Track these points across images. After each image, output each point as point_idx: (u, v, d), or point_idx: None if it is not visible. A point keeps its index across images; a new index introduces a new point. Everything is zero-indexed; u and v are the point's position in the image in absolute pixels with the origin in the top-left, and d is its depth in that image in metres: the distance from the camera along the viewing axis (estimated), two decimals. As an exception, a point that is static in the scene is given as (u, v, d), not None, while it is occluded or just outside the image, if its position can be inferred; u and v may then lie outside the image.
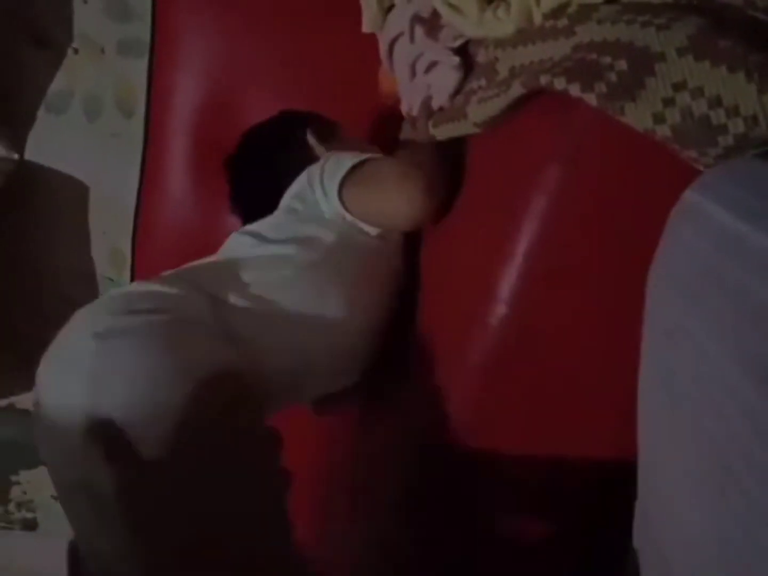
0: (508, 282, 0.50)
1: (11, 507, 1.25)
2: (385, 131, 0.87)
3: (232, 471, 0.52)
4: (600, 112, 0.43)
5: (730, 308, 0.29)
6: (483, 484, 0.58)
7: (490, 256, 0.52)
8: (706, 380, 0.31)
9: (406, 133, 0.76)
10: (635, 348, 0.41)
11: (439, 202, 0.64)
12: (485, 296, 0.51)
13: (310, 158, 0.81)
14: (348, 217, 0.72)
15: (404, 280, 0.77)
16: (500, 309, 0.51)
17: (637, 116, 0.41)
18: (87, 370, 0.50)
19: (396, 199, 0.66)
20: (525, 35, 0.54)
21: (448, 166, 0.66)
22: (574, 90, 0.43)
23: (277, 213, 0.78)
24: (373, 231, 0.74)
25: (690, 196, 0.36)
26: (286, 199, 0.79)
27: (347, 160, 0.73)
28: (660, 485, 0.37)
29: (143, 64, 1.01)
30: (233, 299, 0.62)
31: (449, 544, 0.61)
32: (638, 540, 0.40)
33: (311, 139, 0.83)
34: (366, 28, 0.81)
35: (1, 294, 1.05)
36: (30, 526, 1.26)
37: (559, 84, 0.44)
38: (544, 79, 0.45)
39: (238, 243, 0.74)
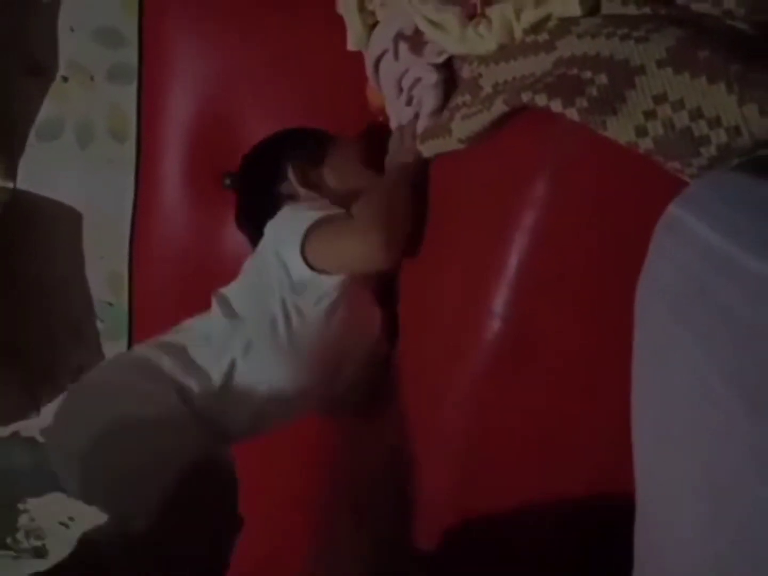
0: (501, 296, 0.50)
1: (19, 536, 1.25)
2: (380, 145, 0.87)
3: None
4: (583, 125, 0.43)
5: (720, 327, 0.29)
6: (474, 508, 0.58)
7: (480, 272, 0.52)
8: (696, 397, 0.31)
9: (392, 151, 0.76)
10: (629, 356, 0.41)
11: (399, 251, 0.66)
12: (478, 311, 0.51)
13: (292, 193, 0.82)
14: (308, 274, 0.71)
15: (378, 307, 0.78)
16: (494, 323, 0.51)
17: (619, 130, 0.41)
18: (79, 470, 0.66)
19: (357, 254, 0.68)
20: (507, 51, 0.54)
21: (412, 206, 0.67)
22: (556, 106, 0.44)
23: (247, 274, 0.79)
24: (336, 278, 0.72)
25: (674, 210, 0.36)
26: (257, 259, 0.78)
27: (303, 221, 0.72)
28: (656, 498, 0.37)
29: (133, 89, 1.02)
30: (199, 387, 0.69)
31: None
32: (639, 557, 0.40)
33: (293, 177, 0.82)
34: (351, 46, 0.81)
35: (4, 323, 1.05)
36: (40, 554, 1.26)
37: (541, 100, 0.44)
38: (525, 96, 0.45)
39: (214, 315, 0.76)
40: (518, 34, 0.55)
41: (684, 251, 0.34)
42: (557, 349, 0.51)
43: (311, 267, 0.70)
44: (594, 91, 0.42)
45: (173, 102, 1.00)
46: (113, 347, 1.15)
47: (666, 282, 0.35)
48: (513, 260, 0.50)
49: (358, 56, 0.82)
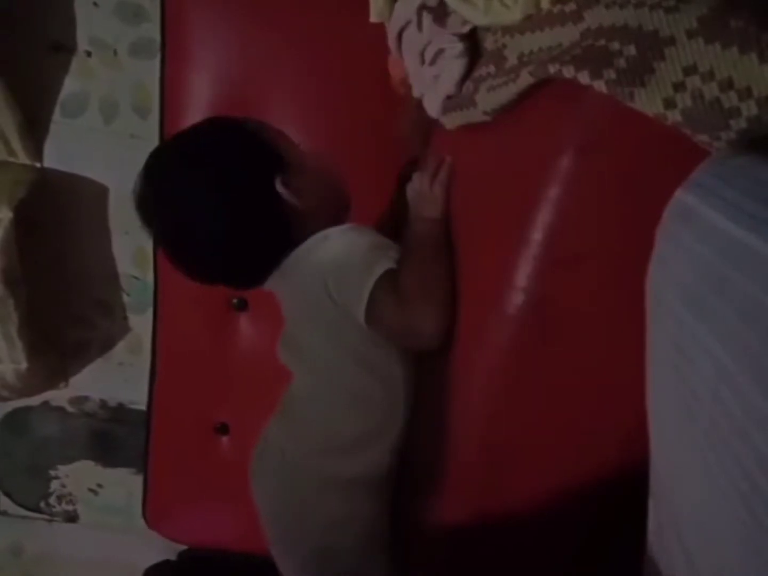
0: (524, 270, 0.50)
1: (52, 500, 1.29)
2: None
3: None
4: (611, 98, 0.43)
5: (742, 322, 0.28)
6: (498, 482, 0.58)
7: (505, 247, 0.52)
8: (727, 400, 0.30)
9: (416, 194, 0.69)
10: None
11: (449, 325, 0.62)
12: (502, 286, 0.52)
13: (285, 213, 0.68)
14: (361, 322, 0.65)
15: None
16: (518, 298, 0.51)
17: (647, 101, 0.41)
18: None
19: (413, 336, 0.63)
20: (532, 21, 0.53)
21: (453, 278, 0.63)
22: (584, 78, 0.43)
23: (296, 315, 0.73)
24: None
25: (684, 197, 0.35)
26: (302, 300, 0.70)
27: (372, 271, 0.63)
28: (683, 494, 0.36)
29: (156, 64, 1.02)
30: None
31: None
32: (658, 545, 0.40)
33: (282, 189, 0.68)
34: (373, 17, 0.80)
35: (34, 298, 1.07)
36: (71, 518, 1.31)
37: (568, 72, 0.44)
38: (552, 68, 0.45)
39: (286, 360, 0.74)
40: (545, 4, 0.54)
41: (700, 242, 0.33)
42: (581, 326, 0.51)
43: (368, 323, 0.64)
44: (622, 63, 0.42)
45: (195, 78, 1.00)
46: (139, 320, 1.17)
47: (682, 276, 0.34)
48: (537, 235, 0.50)
49: (379, 31, 0.81)
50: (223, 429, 1.10)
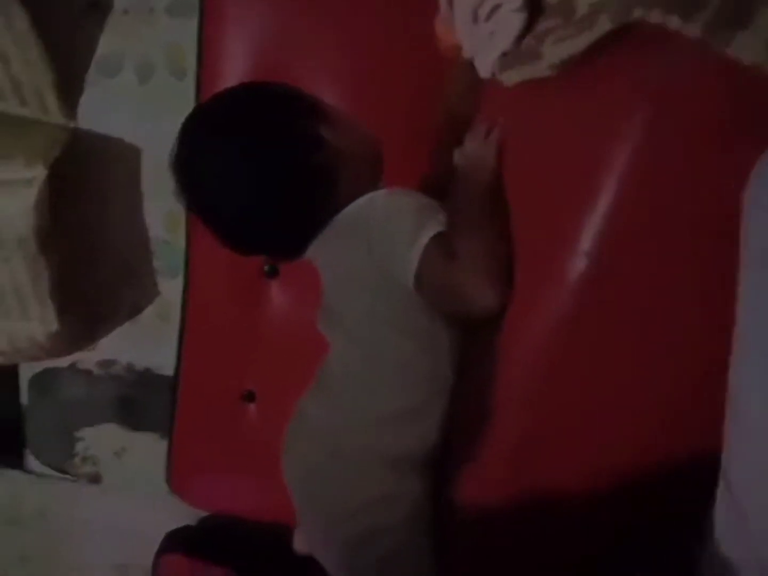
0: (589, 235, 0.48)
1: (77, 461, 1.30)
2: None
3: None
4: (696, 48, 0.40)
5: None
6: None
7: (567, 211, 0.50)
8: None
9: (469, 157, 0.67)
10: (720, 311, 0.38)
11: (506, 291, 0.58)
12: (564, 251, 0.49)
13: (325, 177, 0.66)
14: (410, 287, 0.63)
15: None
16: (581, 263, 0.48)
17: (746, 47, 0.38)
18: None
19: (469, 308, 0.60)
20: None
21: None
22: (673, 22, 0.40)
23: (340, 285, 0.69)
24: None
25: None
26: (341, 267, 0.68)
27: (421, 233, 0.61)
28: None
29: (194, 25, 1.00)
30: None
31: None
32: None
33: (328, 133, 0.66)
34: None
35: (64, 260, 1.07)
36: (95, 479, 1.32)
37: (655, 16, 0.41)
38: (637, 12, 0.42)
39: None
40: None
41: None
42: (644, 296, 0.49)
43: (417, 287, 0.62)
44: (717, 4, 0.39)
45: (233, 44, 0.98)
46: (169, 285, 1.16)
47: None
48: (604, 200, 0.48)
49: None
50: (250, 396, 1.09)
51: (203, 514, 1.20)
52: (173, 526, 1.17)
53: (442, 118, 0.82)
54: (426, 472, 0.67)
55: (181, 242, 1.09)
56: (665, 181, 0.45)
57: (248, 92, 0.72)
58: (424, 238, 0.60)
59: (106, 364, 1.22)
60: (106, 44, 1.08)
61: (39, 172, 0.96)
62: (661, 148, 0.44)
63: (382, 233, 0.64)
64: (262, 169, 0.65)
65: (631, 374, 0.51)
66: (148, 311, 1.18)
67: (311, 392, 0.73)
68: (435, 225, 0.62)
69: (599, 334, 0.51)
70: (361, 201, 0.68)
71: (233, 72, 0.99)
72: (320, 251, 0.70)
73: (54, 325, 1.06)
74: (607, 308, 0.49)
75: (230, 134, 0.67)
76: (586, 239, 0.48)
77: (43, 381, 1.23)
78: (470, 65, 0.72)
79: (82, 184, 1.11)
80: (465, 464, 0.66)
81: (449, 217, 0.64)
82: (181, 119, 0.73)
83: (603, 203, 0.47)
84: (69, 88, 1.08)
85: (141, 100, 1.09)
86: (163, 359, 1.17)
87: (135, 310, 1.19)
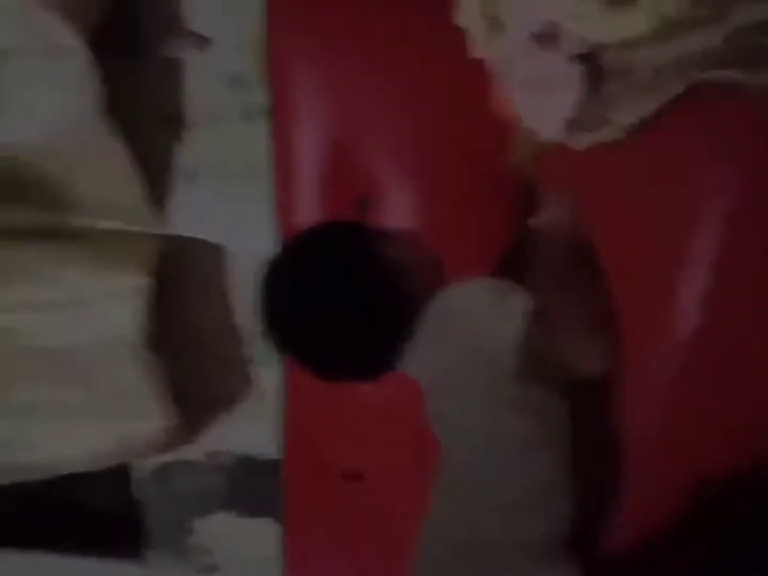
0: (697, 293, 0.47)
1: (190, 553, 1.32)
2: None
3: None
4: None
5: None
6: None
7: (669, 273, 0.49)
8: None
9: (552, 221, 0.68)
10: None
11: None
12: (673, 311, 0.49)
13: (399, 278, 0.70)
14: None
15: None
16: (690, 324, 0.48)
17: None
18: None
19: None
20: (664, 31, 0.52)
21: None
22: (741, 77, 0.41)
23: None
24: None
25: None
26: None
27: (507, 318, 0.60)
28: None
29: (264, 127, 1.06)
30: None
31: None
32: None
33: (391, 250, 0.72)
34: (476, 53, 0.81)
35: (167, 361, 1.13)
36: (210, 571, 1.33)
37: (724, 74, 0.42)
38: (705, 73, 0.43)
39: None
40: (672, 11, 0.52)
41: None
42: (758, 358, 0.48)
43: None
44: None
45: (304, 137, 1.01)
46: (265, 373, 1.20)
47: None
48: (707, 255, 0.47)
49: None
50: (356, 477, 1.08)
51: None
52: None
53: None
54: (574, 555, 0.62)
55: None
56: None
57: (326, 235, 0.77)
58: (514, 324, 0.59)
59: (211, 455, 1.26)
60: (182, 156, 1.16)
61: (143, 281, 1.04)
62: (752, 204, 0.44)
63: (474, 333, 0.63)
64: (348, 303, 0.69)
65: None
66: (244, 399, 1.22)
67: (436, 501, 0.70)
68: (518, 304, 0.61)
69: (709, 398, 0.50)
70: (441, 302, 0.68)
71: (306, 167, 1.02)
72: (408, 362, 0.70)
73: (173, 420, 1.11)
74: (718, 372, 0.48)
75: (316, 284, 0.71)
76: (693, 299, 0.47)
77: (161, 475, 1.28)
78: (531, 132, 0.75)
79: (178, 293, 1.19)
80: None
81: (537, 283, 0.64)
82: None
83: (705, 260, 0.46)
84: (156, 198, 1.16)
85: (221, 204, 1.16)
86: (262, 442, 1.19)
87: (231, 401, 1.23)
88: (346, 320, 0.70)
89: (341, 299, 0.70)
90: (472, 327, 0.63)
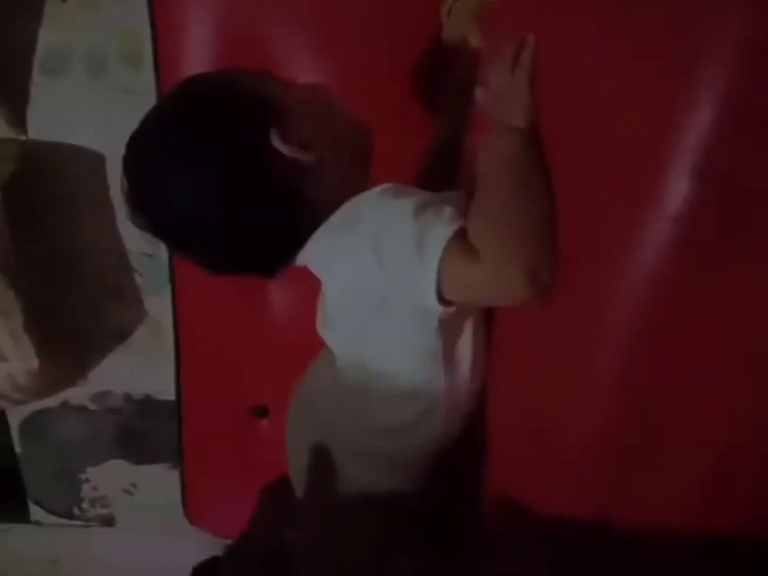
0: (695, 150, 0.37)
1: (85, 505, 1.21)
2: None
3: None
4: None
5: None
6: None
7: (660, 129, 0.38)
8: None
9: (494, 98, 0.54)
10: None
11: (551, 274, 0.48)
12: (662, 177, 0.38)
13: (294, 178, 0.57)
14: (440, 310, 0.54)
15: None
16: (689, 185, 0.37)
17: None
18: None
19: (498, 296, 0.52)
20: None
21: (552, 200, 0.48)
22: None
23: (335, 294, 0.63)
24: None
25: None
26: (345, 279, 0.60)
27: (439, 231, 0.51)
28: None
29: (143, 7, 0.88)
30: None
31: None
32: None
33: (280, 144, 0.56)
34: None
35: (35, 288, 0.96)
36: (107, 522, 1.22)
37: None
38: None
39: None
40: None
41: None
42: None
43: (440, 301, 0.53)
44: None
45: (191, 20, 0.86)
46: (155, 302, 1.05)
47: None
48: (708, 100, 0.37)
49: None
50: (262, 412, 1.00)
51: (227, 542, 1.12)
52: (198, 559, 1.08)
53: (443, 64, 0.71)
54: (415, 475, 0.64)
55: (164, 254, 0.98)
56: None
57: (211, 94, 0.60)
58: (436, 252, 0.50)
59: (100, 396, 1.12)
60: (47, 38, 0.95)
61: (-10, 194, 0.86)
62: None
63: (382, 250, 0.54)
64: (212, 187, 0.58)
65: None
66: (138, 333, 1.07)
67: (315, 370, 0.72)
68: (443, 227, 0.51)
69: (715, 271, 0.40)
70: (347, 207, 0.58)
71: (195, 56, 0.88)
72: (316, 258, 0.62)
73: (34, 362, 0.96)
74: (725, 238, 0.38)
75: (173, 155, 0.59)
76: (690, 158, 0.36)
77: (35, 424, 1.12)
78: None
79: (44, 202, 1.00)
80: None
81: (477, 187, 0.52)
82: (143, 113, 0.64)
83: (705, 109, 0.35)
84: (13, 95, 0.96)
85: (96, 99, 0.97)
86: (162, 383, 1.06)
87: (123, 335, 1.08)
88: (218, 208, 0.58)
89: (218, 185, 0.57)
90: (395, 254, 0.54)
